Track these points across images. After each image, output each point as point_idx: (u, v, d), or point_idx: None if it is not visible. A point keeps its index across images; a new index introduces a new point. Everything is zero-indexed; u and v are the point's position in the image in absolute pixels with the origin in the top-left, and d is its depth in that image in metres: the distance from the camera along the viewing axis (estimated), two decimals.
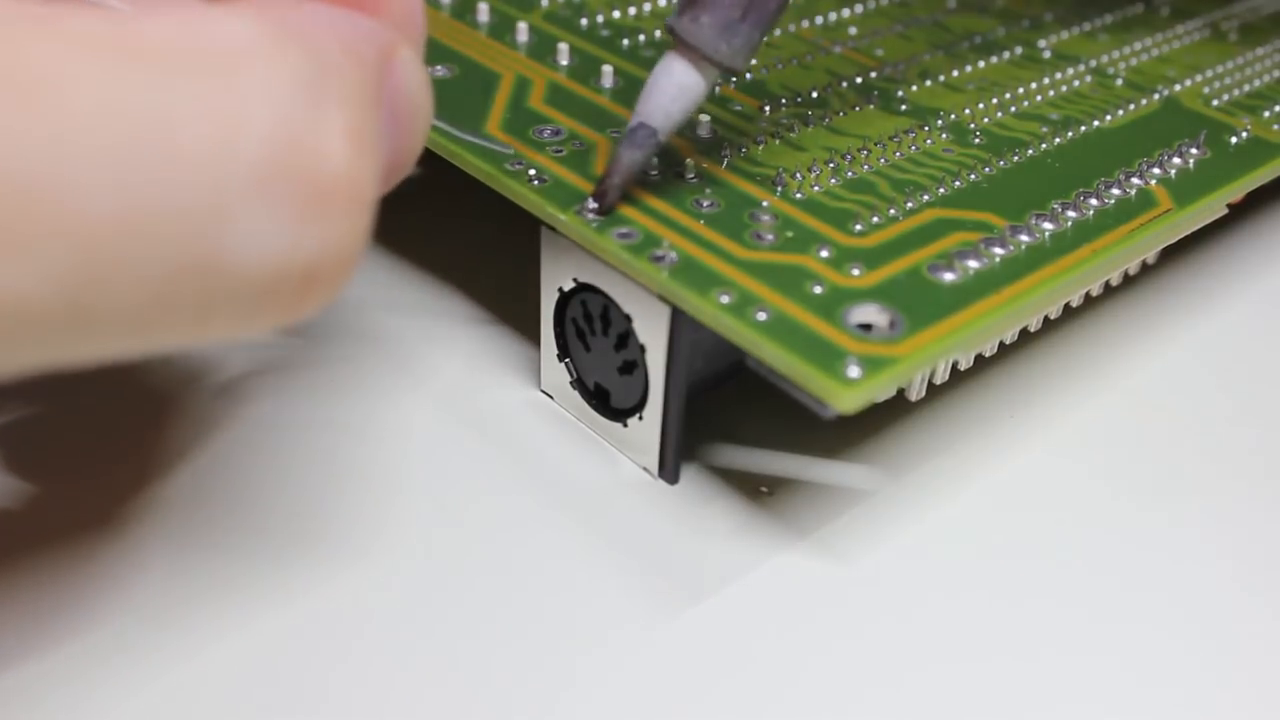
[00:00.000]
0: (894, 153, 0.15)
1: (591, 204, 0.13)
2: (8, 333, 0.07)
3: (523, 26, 0.17)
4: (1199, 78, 0.18)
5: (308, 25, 0.09)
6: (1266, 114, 0.17)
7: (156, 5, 0.10)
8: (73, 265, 0.07)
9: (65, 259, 0.07)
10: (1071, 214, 0.14)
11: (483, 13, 0.17)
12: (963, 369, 0.14)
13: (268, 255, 0.08)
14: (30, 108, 0.07)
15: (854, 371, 0.11)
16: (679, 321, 0.12)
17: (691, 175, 0.14)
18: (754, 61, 0.17)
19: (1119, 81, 0.18)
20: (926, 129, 0.15)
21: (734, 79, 0.16)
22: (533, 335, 0.15)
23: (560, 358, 0.14)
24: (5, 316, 0.07)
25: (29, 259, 0.07)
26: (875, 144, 0.15)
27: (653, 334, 0.13)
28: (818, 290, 0.12)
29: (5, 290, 0.07)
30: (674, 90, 0.12)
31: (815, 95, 0.16)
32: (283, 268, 0.08)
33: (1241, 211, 0.18)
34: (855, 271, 0.12)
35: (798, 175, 0.14)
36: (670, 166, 0.14)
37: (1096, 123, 0.16)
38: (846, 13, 0.19)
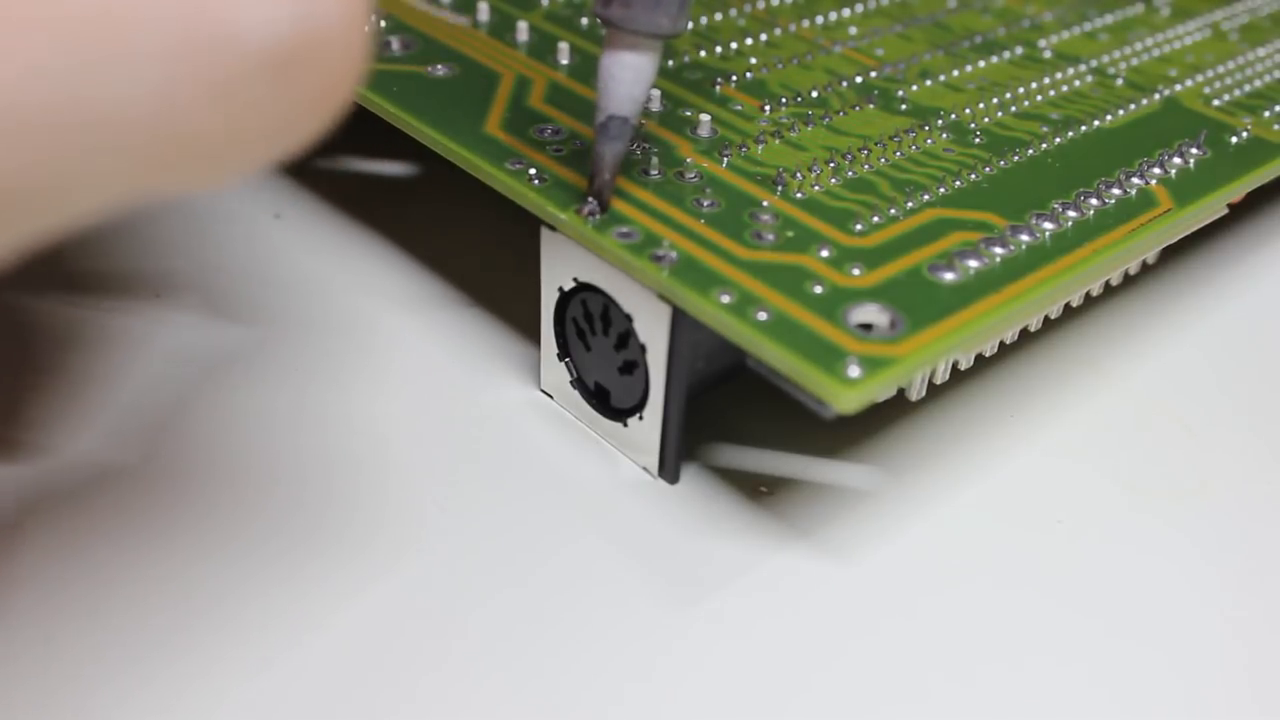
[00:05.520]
0: (894, 152, 0.15)
1: (589, 204, 0.13)
2: (8, 139, 0.07)
3: (523, 26, 0.17)
4: (1199, 78, 0.18)
5: None
6: (1266, 114, 0.17)
7: None
8: (60, 52, 0.07)
9: (48, 47, 0.07)
10: (1072, 214, 0.14)
11: (483, 13, 0.17)
12: (963, 369, 0.14)
13: (267, 15, 0.08)
14: None
15: (854, 371, 0.11)
16: (679, 321, 0.12)
17: (691, 175, 0.14)
18: (753, 61, 0.17)
19: (1119, 81, 0.18)
20: (927, 129, 0.15)
21: (734, 77, 0.16)
22: (533, 335, 0.15)
23: (560, 357, 0.14)
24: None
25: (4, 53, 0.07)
26: (875, 144, 0.15)
27: (653, 334, 0.13)
28: (818, 290, 0.12)
29: None
30: (630, 75, 0.12)
31: (815, 95, 0.16)
32: (287, 29, 0.08)
33: (1241, 211, 0.18)
34: (855, 271, 0.12)
35: (798, 175, 0.14)
36: (670, 166, 0.14)
37: (1097, 122, 0.16)
38: (846, 13, 0.19)
